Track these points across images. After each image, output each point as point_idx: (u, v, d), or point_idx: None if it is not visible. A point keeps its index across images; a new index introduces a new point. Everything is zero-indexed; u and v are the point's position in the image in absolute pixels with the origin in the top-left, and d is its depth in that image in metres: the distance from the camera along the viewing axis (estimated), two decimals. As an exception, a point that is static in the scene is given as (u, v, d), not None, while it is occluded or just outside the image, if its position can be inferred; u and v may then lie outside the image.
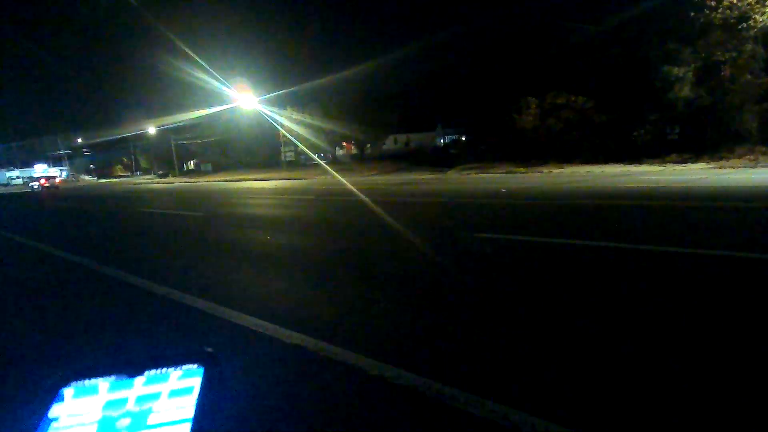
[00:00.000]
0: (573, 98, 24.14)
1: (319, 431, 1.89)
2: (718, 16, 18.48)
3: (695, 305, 3.11)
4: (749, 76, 18.96)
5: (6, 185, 66.17)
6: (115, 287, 4.45)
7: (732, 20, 18.37)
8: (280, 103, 36.40)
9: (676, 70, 20.30)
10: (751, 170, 14.31)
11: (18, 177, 72.20)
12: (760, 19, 17.80)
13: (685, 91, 20.45)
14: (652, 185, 11.00)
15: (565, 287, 3.70)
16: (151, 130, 55.10)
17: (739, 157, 17.35)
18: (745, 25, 18.12)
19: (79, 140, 73.26)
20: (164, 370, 0.55)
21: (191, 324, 3.28)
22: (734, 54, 18.99)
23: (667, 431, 1.78)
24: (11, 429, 0.51)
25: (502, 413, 1.90)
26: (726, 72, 19.32)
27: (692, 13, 19.01)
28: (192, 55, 32.56)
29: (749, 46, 18.69)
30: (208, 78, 32.77)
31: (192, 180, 40.29)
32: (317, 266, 5.02)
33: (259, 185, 23.77)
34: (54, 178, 46.50)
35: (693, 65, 20.21)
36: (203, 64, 31.87)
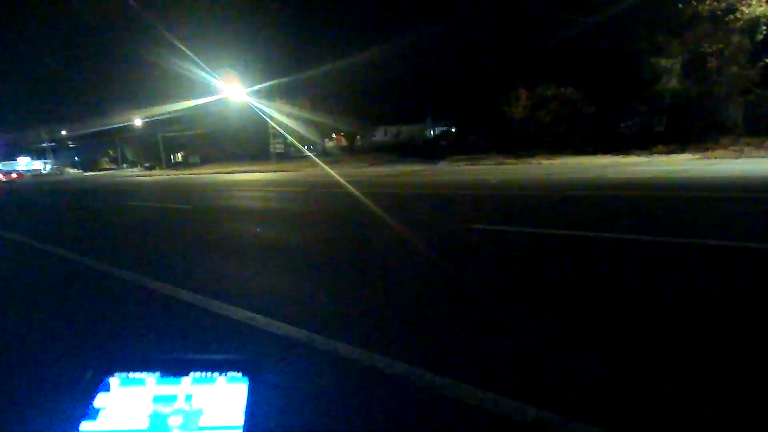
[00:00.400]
0: (562, 90, 24.24)
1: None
2: (706, 7, 18.60)
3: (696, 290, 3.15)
4: (735, 68, 19.16)
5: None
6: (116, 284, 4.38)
7: (719, 12, 18.51)
8: (270, 94, 35.97)
9: (664, 62, 20.45)
10: (736, 161, 14.52)
11: None
12: (747, 11, 17.96)
13: (673, 83, 20.63)
14: (640, 176, 11.11)
15: (558, 276, 3.72)
16: (137, 122, 54.15)
17: (725, 147, 17.58)
18: (732, 16, 18.27)
19: (63, 132, 71.79)
20: (210, 373, 0.55)
21: (181, 316, 3.24)
22: (721, 46, 19.16)
23: None
24: (53, 420, 0.49)
25: (493, 400, 1.91)
26: (713, 63, 19.50)
27: (680, 5, 19.11)
28: (179, 45, 31.95)
29: (736, 38, 18.86)
30: (195, 69, 32.22)
31: (180, 173, 39.79)
32: (308, 260, 4.99)
33: (248, 177, 23.56)
34: (11, 173, 47.10)
35: (680, 57, 20.37)
36: (190, 54, 31.29)
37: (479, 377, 2.10)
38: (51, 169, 72.06)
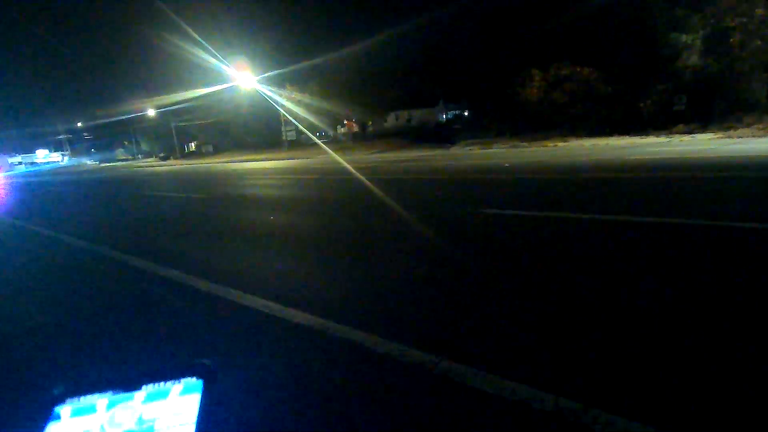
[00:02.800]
0: (578, 69, 23.65)
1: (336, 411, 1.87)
2: (729, -21, 17.90)
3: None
4: (759, 42, 18.45)
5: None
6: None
7: (743, -17, 17.79)
8: (280, 82, 35.91)
9: (685, 38, 19.79)
10: (761, 140, 14.05)
11: (20, 163, 72.33)
12: (772, -19, 17.21)
13: (693, 60, 19.98)
14: (659, 157, 10.83)
15: (571, 261, 3.65)
16: (151, 112, 54.70)
17: (748, 126, 17.05)
18: (756, -12, 17.55)
19: (79, 124, 72.94)
20: (163, 384, 0.54)
21: (198, 305, 3.27)
22: (744, 19, 18.43)
23: None
24: None
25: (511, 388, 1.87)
26: (735, 38, 18.80)
27: (701, -23, 18.42)
28: (190, 32, 31.99)
29: (760, 11, 18.12)
30: (207, 57, 32.30)
31: (194, 162, 40.18)
32: (318, 246, 4.99)
33: (261, 166, 23.65)
34: None
35: (701, 32, 19.67)
36: (202, 41, 31.37)
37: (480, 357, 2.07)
38: (68, 160, 73.42)
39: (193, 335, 2.75)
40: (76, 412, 0.51)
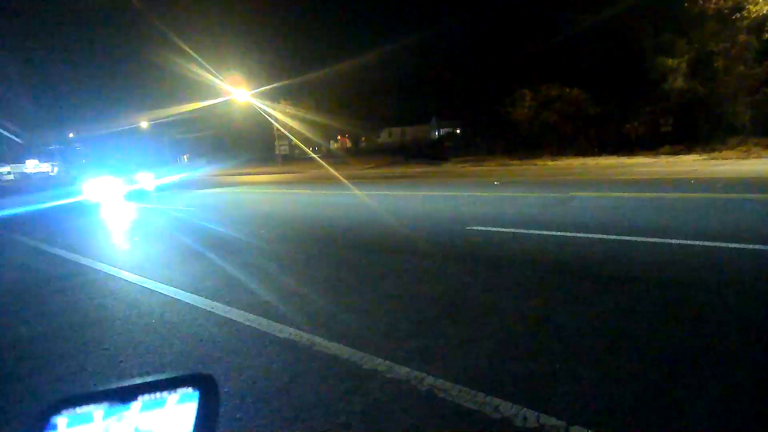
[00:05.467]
0: (568, 90, 24.11)
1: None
2: (712, 6, 18.46)
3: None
4: (743, 67, 19.00)
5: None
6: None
7: (726, 10, 18.35)
8: (274, 96, 36.11)
9: (670, 62, 20.31)
10: (744, 161, 14.39)
11: (9, 173, 71.22)
12: (754, 9, 17.79)
13: (679, 83, 20.47)
14: (645, 177, 11.05)
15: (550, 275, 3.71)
16: (143, 124, 54.55)
17: (732, 148, 17.43)
18: (738, 15, 18.11)
19: (71, 135, 72.35)
20: (159, 394, 0.54)
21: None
22: (727, 45, 19.01)
23: None
24: None
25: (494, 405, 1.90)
26: (719, 63, 19.35)
27: (686, 4, 18.98)
28: (184, 46, 32.15)
29: (743, 37, 18.70)
30: (200, 71, 32.40)
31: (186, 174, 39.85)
32: (309, 260, 5.00)
33: (255, 179, 23.63)
34: None
35: (687, 56, 20.23)
36: (195, 56, 31.49)
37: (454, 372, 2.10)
38: (59, 171, 72.57)
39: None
40: (73, 423, 0.51)
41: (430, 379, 2.15)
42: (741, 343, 2.40)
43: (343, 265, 4.66)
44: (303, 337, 2.77)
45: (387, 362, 2.35)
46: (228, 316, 3.25)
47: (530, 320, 2.86)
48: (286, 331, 2.87)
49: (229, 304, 3.49)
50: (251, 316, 3.18)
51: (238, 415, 1.98)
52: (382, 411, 1.95)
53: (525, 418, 1.80)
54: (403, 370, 2.26)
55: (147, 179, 16.06)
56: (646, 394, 1.95)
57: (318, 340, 2.71)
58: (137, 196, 14.64)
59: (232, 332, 2.97)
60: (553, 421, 1.78)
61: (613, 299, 3.14)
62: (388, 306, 3.30)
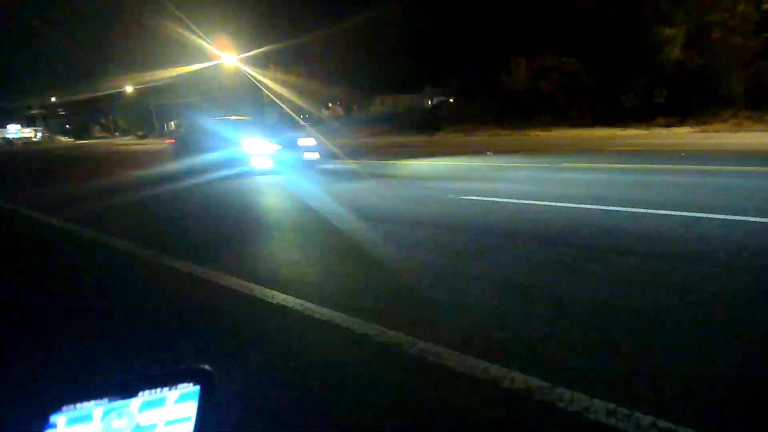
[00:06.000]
0: (563, 59, 23.76)
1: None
2: (712, -26, 18.14)
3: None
4: (740, 39, 18.82)
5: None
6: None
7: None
8: (264, 62, 35.11)
9: (668, 31, 20.04)
10: (736, 134, 14.46)
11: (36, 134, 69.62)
12: (754, -21, 17.52)
13: (676, 53, 20.27)
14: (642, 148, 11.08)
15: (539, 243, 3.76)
16: (129, 89, 53.02)
17: (724, 121, 17.48)
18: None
19: (54, 99, 70.20)
20: (160, 390, 0.53)
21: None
22: (726, 15, 18.75)
23: None
24: None
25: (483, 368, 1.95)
26: (717, 34, 19.14)
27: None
28: (170, 7, 30.90)
29: (742, 7, 18.45)
30: (188, 33, 31.29)
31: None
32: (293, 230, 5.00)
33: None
34: None
35: (685, 26, 19.95)
36: (182, 17, 30.33)
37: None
38: (41, 136, 70.80)
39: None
40: (72, 421, 0.50)
41: (421, 344, 2.19)
42: (725, 311, 2.46)
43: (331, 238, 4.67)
44: (295, 302, 2.80)
45: (379, 327, 2.38)
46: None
47: (520, 288, 2.91)
48: (257, 291, 2.90)
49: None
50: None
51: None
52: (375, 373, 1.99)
53: (512, 380, 1.85)
54: (394, 335, 2.29)
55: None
56: (631, 359, 2.01)
57: (309, 305, 2.74)
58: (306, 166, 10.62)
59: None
60: (539, 382, 1.83)
61: (602, 268, 3.19)
62: (376, 273, 3.33)
